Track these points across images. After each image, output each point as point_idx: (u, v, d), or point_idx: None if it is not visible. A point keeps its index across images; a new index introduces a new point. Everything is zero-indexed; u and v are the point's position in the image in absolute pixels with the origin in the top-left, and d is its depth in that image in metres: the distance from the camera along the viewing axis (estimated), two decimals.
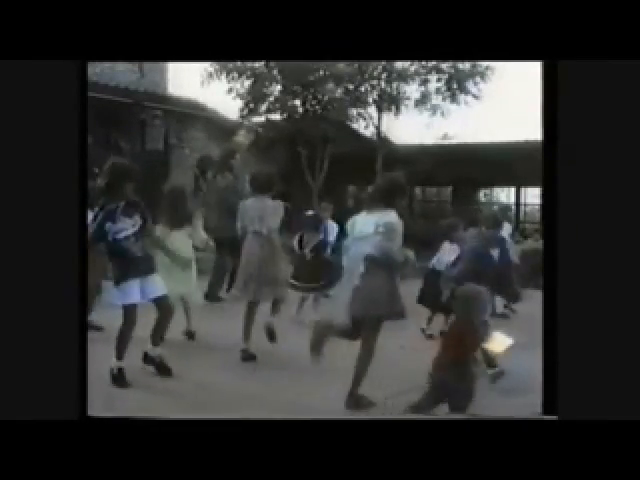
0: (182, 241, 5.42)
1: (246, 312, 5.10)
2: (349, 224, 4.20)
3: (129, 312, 4.35)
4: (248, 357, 5.00)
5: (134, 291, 4.33)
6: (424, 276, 6.49)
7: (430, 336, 6.18)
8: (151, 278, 4.42)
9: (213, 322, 6.35)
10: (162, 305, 4.52)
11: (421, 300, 6.41)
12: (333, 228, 8.18)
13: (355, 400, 4.03)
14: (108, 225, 4.22)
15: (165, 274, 4.64)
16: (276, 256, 5.09)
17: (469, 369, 3.72)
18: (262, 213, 5.00)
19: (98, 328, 5.38)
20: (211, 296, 7.84)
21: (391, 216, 3.99)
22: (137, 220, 4.33)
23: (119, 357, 4.36)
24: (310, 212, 7.81)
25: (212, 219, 7.20)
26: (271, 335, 5.25)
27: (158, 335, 4.62)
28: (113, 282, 4.34)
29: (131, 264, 4.29)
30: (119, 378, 4.31)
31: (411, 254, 4.19)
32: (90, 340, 3.19)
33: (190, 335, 5.68)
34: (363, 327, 4.01)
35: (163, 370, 4.57)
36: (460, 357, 3.70)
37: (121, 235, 4.26)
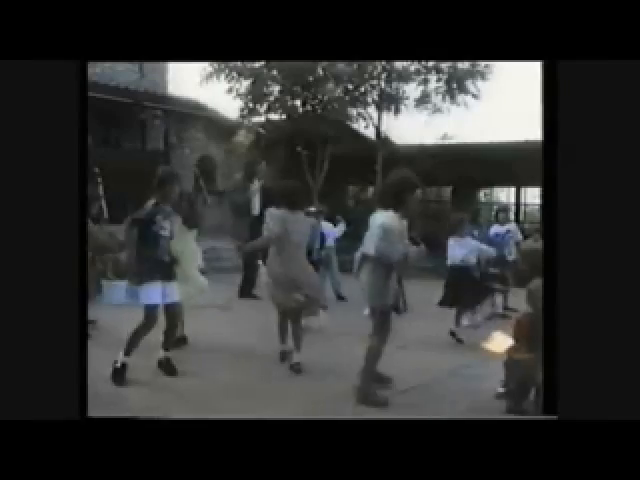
0: (192, 243, 5.45)
1: (280, 317, 5.17)
2: (370, 220, 4.29)
3: (151, 313, 4.46)
4: (286, 358, 5.09)
5: (157, 293, 4.46)
6: (445, 279, 6.44)
7: (459, 340, 6.13)
8: (172, 283, 4.60)
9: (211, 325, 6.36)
10: (174, 311, 4.67)
11: (443, 302, 6.33)
12: (326, 230, 8.21)
13: (364, 395, 4.14)
14: (159, 218, 4.47)
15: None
16: (308, 266, 5.16)
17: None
18: (296, 226, 5.01)
19: (90, 321, 5.40)
20: (244, 293, 8.03)
21: (387, 216, 4.09)
22: (175, 222, 4.68)
23: (127, 353, 4.45)
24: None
25: (240, 223, 7.35)
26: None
27: (169, 341, 4.77)
28: (135, 281, 4.49)
29: (159, 265, 4.46)
30: (120, 373, 4.35)
31: (414, 250, 4.24)
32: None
33: (183, 340, 5.60)
34: (371, 319, 4.25)
35: (170, 371, 4.69)
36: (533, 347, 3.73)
37: (163, 232, 4.50)
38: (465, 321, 6.39)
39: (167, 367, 4.71)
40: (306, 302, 4.97)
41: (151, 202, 4.51)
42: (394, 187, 4.21)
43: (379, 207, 4.23)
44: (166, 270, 4.54)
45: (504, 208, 10.00)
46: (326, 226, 8.31)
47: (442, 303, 6.33)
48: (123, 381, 4.36)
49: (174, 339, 4.90)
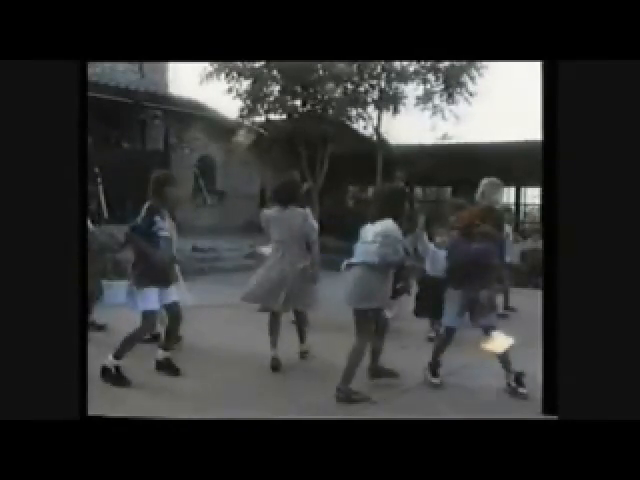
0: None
1: (271, 320, 5.09)
2: (360, 231, 4.48)
3: (148, 319, 4.45)
4: (277, 365, 4.94)
5: (154, 298, 4.43)
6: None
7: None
8: (172, 284, 4.57)
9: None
10: (173, 311, 4.62)
11: (420, 313, 5.69)
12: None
13: (346, 394, 4.21)
14: (157, 218, 4.44)
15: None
16: (303, 267, 5.00)
17: None
18: (289, 223, 4.95)
19: (100, 327, 5.38)
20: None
21: (387, 224, 4.29)
22: (174, 225, 4.63)
23: (118, 357, 4.38)
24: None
25: None
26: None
27: (170, 341, 4.74)
28: (135, 285, 4.42)
29: (160, 268, 4.42)
30: (117, 377, 4.32)
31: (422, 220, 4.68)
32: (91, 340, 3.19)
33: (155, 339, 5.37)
34: (355, 321, 4.33)
35: (173, 371, 4.65)
36: None
37: (162, 233, 4.47)
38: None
39: (169, 367, 4.67)
40: (297, 303, 5.00)
41: (146, 205, 4.49)
42: (390, 198, 4.47)
43: (377, 218, 4.36)
44: (166, 271, 4.52)
45: (507, 208, 10.00)
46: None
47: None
48: (124, 383, 4.32)
49: (175, 339, 4.87)
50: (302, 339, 5.29)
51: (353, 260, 4.39)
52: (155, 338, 5.30)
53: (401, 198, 4.57)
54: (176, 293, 4.61)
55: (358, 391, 4.25)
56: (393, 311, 5.68)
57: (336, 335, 6.09)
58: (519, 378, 4.55)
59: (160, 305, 4.52)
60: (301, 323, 5.28)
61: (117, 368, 4.35)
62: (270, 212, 5.11)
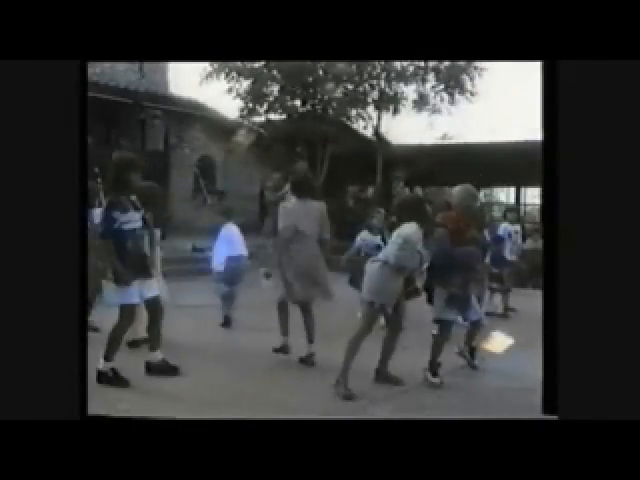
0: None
1: (279, 310, 5.14)
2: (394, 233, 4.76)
3: (126, 312, 4.28)
4: (284, 351, 5.06)
5: (133, 291, 4.26)
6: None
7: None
8: (151, 277, 4.39)
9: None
10: (153, 305, 4.45)
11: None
12: None
13: (384, 377, 4.61)
14: (117, 214, 4.17)
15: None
16: (320, 257, 5.09)
17: None
18: (305, 215, 5.03)
19: (95, 329, 5.36)
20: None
21: (406, 229, 4.51)
22: (144, 213, 4.33)
23: (108, 358, 4.26)
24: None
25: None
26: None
27: (154, 338, 4.53)
28: (113, 281, 4.21)
29: (133, 262, 4.22)
30: (115, 378, 4.25)
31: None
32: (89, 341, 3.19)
33: (133, 344, 5.17)
34: (362, 311, 4.59)
35: (169, 371, 4.49)
36: None
37: (128, 226, 4.21)
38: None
39: (165, 369, 4.49)
40: (315, 293, 5.01)
41: (105, 203, 4.22)
42: (411, 205, 4.75)
43: (403, 220, 4.62)
44: (142, 264, 4.28)
45: (513, 208, 10.01)
46: None
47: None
48: (122, 383, 4.24)
49: (160, 336, 4.59)
50: (311, 338, 5.09)
51: (378, 257, 4.63)
52: (135, 343, 5.09)
53: (422, 205, 4.79)
54: (156, 288, 4.45)
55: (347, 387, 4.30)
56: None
57: (335, 333, 6.11)
58: (473, 353, 5.19)
59: (142, 296, 4.34)
60: (310, 320, 5.13)
61: (113, 370, 4.26)
62: (290, 204, 5.20)
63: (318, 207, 5.11)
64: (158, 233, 5.43)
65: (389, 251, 4.52)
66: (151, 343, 4.55)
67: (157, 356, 4.53)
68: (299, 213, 5.07)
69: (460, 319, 5.00)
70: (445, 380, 4.73)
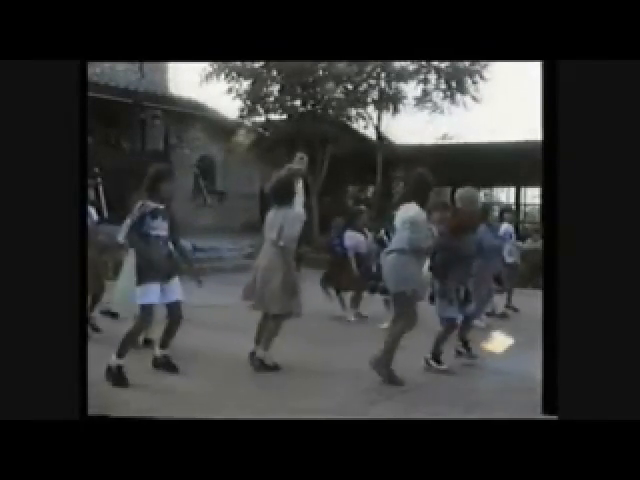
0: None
1: (260, 321, 5.02)
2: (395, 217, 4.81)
3: (146, 312, 4.42)
4: (258, 364, 4.85)
5: (154, 292, 4.40)
6: None
7: None
8: (172, 282, 4.54)
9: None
10: (174, 310, 4.61)
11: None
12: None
13: (387, 374, 4.56)
14: (148, 219, 4.38)
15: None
16: (291, 268, 4.88)
17: None
18: (282, 223, 4.80)
19: (96, 329, 5.37)
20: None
21: (414, 210, 4.55)
22: (171, 223, 4.54)
23: (121, 355, 4.37)
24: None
25: None
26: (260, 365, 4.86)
27: (168, 339, 4.71)
28: (136, 281, 4.38)
29: (156, 266, 4.38)
30: (118, 376, 4.32)
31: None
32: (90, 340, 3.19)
33: (148, 343, 5.26)
34: (394, 305, 4.70)
35: (171, 368, 4.67)
36: None
37: (156, 232, 4.41)
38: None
39: (167, 365, 4.68)
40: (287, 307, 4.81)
41: (138, 204, 4.39)
42: (417, 184, 4.75)
43: (403, 202, 4.67)
44: (163, 270, 4.46)
45: (509, 208, 10.02)
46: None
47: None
48: (123, 383, 4.31)
49: (172, 338, 4.77)
50: (266, 345, 4.89)
51: (390, 247, 4.69)
52: (147, 343, 5.25)
53: (425, 184, 4.74)
54: (178, 292, 4.58)
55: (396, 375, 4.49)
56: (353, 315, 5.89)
57: (331, 335, 6.12)
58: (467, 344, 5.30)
59: (163, 301, 4.49)
60: (272, 328, 4.89)
61: (119, 368, 4.34)
62: (271, 213, 4.99)
63: (294, 215, 4.88)
64: (189, 245, 5.46)
65: (401, 238, 4.55)
66: (163, 342, 4.72)
67: (163, 352, 4.72)
68: (275, 221, 4.83)
69: (461, 315, 5.12)
70: (445, 380, 4.73)
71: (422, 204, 4.60)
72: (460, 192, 5.36)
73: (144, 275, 4.35)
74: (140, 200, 4.43)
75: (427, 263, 4.90)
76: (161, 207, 4.48)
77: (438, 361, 4.93)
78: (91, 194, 7.13)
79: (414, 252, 4.49)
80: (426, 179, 4.78)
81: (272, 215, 4.93)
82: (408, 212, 4.56)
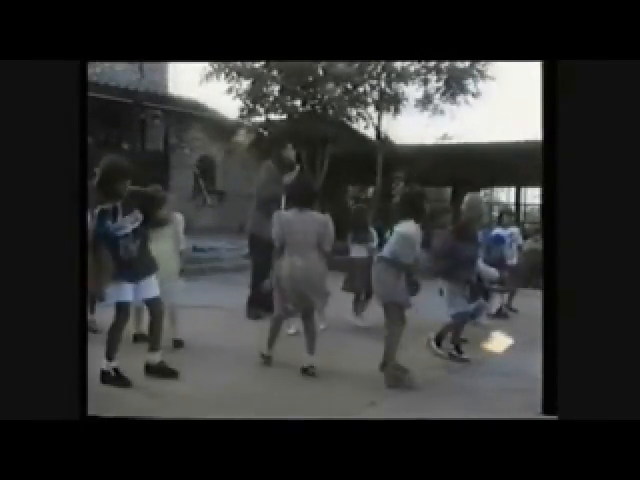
0: (166, 243, 5.29)
1: (273, 322, 5.01)
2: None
3: (122, 310, 4.35)
4: (269, 362, 4.96)
5: (127, 290, 4.33)
6: None
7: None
8: (146, 279, 4.42)
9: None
10: (153, 307, 4.49)
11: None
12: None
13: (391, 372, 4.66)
14: (108, 223, 4.22)
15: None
16: (320, 271, 4.86)
17: None
18: (306, 227, 4.75)
19: (95, 331, 5.37)
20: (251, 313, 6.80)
21: (407, 225, 4.72)
22: (136, 218, 4.33)
23: (110, 357, 4.30)
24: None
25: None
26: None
27: (154, 340, 4.53)
28: (110, 279, 4.28)
29: (127, 263, 4.28)
30: (118, 378, 4.28)
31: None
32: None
33: (178, 344, 5.36)
34: (384, 311, 4.78)
35: (168, 374, 4.48)
36: None
37: (121, 232, 4.26)
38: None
39: (163, 371, 4.49)
40: (311, 303, 4.85)
41: (96, 211, 4.17)
42: (403, 204, 4.91)
43: (400, 218, 4.81)
44: (137, 266, 4.32)
45: (509, 211, 9.97)
46: None
47: None
48: (124, 383, 4.25)
49: (161, 338, 4.60)
50: (311, 349, 4.87)
51: (380, 255, 4.89)
52: (178, 344, 5.30)
53: (421, 201, 4.90)
54: (155, 289, 4.47)
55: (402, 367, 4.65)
56: (325, 322, 5.93)
57: (335, 337, 6.11)
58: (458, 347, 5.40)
59: (138, 299, 4.44)
60: (310, 330, 4.90)
61: (116, 370, 4.29)
62: (288, 215, 4.90)
63: (322, 219, 4.86)
64: (182, 236, 5.48)
65: (387, 246, 4.79)
66: (151, 344, 4.55)
67: (156, 358, 4.52)
68: (298, 225, 4.76)
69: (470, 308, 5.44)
70: (445, 380, 4.73)
71: (418, 220, 4.75)
72: (466, 199, 5.64)
73: (116, 273, 4.24)
74: (97, 205, 4.19)
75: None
76: (122, 202, 4.24)
77: (460, 351, 5.30)
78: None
79: (392, 262, 4.67)
80: (422, 197, 4.97)
81: (297, 218, 4.81)
82: (403, 226, 4.74)
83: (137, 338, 5.34)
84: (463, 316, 5.35)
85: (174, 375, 4.49)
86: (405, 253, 4.66)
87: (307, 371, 4.77)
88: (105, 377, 4.28)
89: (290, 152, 5.50)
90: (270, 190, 6.74)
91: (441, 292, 5.39)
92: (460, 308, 5.29)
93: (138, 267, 4.37)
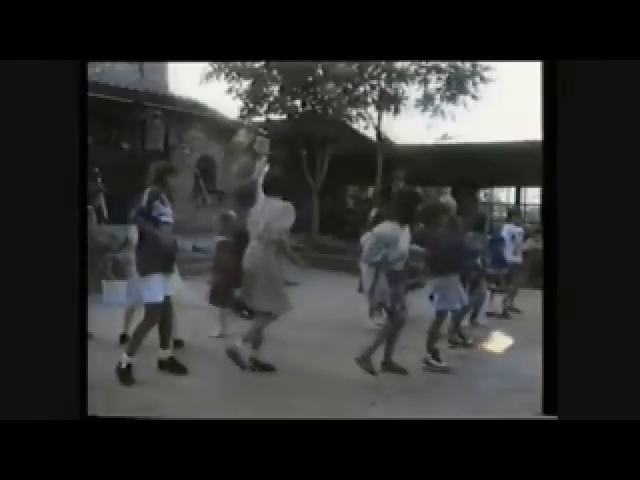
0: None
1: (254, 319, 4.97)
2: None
3: (152, 309, 4.39)
4: (251, 363, 4.76)
5: (159, 287, 4.37)
6: None
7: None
8: (173, 275, 4.53)
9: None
10: (168, 304, 4.56)
11: None
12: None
13: (390, 367, 4.78)
14: (157, 203, 4.34)
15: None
16: (280, 264, 4.73)
17: None
18: (270, 217, 4.65)
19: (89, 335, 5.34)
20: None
21: (381, 227, 4.70)
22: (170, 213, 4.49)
23: (131, 353, 4.37)
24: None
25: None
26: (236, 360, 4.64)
27: (165, 335, 4.63)
28: (139, 271, 4.37)
29: (164, 252, 4.34)
30: (126, 374, 4.33)
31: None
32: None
33: (178, 344, 5.29)
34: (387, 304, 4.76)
35: (178, 369, 4.60)
36: None
37: (163, 218, 4.37)
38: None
39: (174, 366, 4.60)
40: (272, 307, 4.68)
41: (147, 190, 4.36)
42: (402, 200, 4.83)
43: (388, 219, 4.73)
44: (170, 257, 4.44)
45: (516, 210, 10.02)
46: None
47: None
48: (130, 381, 4.31)
49: (171, 334, 4.73)
50: (256, 344, 4.81)
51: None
52: (179, 344, 5.24)
53: (410, 201, 4.79)
54: (171, 287, 4.54)
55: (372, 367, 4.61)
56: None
57: (329, 335, 6.11)
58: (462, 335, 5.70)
59: (162, 297, 4.43)
60: (257, 326, 4.78)
61: (128, 366, 4.35)
62: (253, 210, 4.89)
63: (284, 207, 4.68)
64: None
65: (376, 252, 4.67)
66: (161, 341, 4.65)
67: (167, 354, 4.64)
68: (259, 218, 4.70)
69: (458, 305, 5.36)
70: (444, 380, 4.73)
71: (406, 221, 4.69)
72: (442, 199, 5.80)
73: (150, 264, 4.31)
74: (148, 188, 4.37)
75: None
76: (164, 194, 4.44)
77: (437, 359, 5.04)
78: (100, 199, 7.13)
79: (368, 264, 4.69)
80: (411, 197, 4.90)
81: (256, 211, 4.82)
82: (379, 227, 4.70)
83: (124, 339, 5.23)
84: (443, 314, 5.23)
85: (184, 371, 4.60)
86: (375, 253, 4.57)
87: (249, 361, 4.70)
88: (119, 370, 4.35)
89: (243, 138, 5.48)
90: (237, 183, 6.98)
91: (431, 297, 5.25)
92: (446, 304, 5.18)
93: (172, 259, 4.48)
